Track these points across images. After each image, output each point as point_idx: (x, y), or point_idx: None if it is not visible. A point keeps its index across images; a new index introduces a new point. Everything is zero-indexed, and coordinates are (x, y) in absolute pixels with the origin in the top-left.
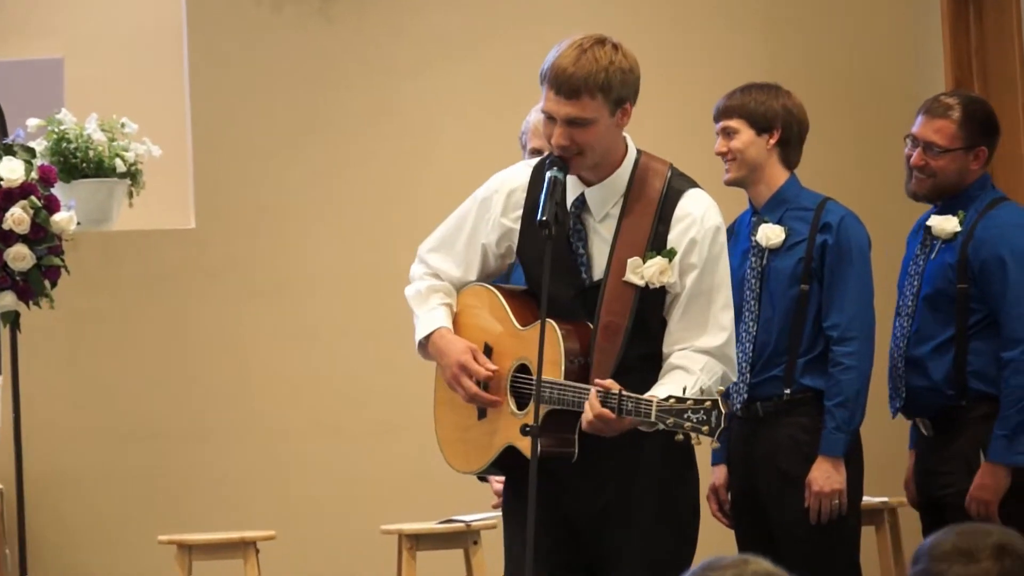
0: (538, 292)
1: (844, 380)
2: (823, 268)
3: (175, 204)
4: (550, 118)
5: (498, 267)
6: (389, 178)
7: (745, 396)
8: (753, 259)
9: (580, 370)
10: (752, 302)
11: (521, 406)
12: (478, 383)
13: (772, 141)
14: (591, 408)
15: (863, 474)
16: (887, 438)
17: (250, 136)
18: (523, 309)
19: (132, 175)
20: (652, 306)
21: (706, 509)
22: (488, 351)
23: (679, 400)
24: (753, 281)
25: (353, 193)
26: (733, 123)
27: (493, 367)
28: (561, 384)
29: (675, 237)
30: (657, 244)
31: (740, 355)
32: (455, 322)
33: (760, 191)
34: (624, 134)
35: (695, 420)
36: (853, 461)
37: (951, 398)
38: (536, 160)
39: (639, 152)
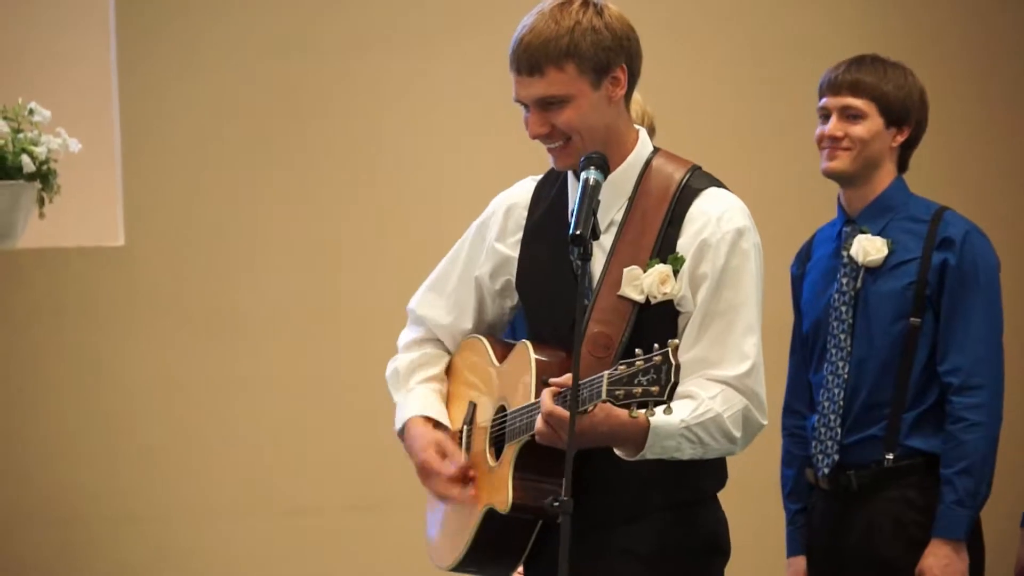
0: (534, 329)
1: (969, 441)
2: (940, 296)
3: (99, 215)
4: (524, 106)
5: (498, 312)
6: (364, 194)
7: (835, 459)
8: (844, 280)
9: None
10: (842, 336)
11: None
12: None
13: (900, 139)
14: (542, 407)
15: (984, 563)
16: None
17: (194, 133)
18: (509, 347)
19: (43, 177)
20: (657, 328)
21: None
22: (472, 410)
23: (629, 364)
24: (843, 309)
25: (319, 206)
26: (861, 104)
27: (461, 461)
28: (532, 405)
29: (686, 241)
30: (665, 251)
31: (828, 406)
32: (451, 389)
33: (861, 194)
34: (638, 127)
35: (646, 382)
36: (975, 546)
37: None
38: (541, 175)
39: (656, 149)
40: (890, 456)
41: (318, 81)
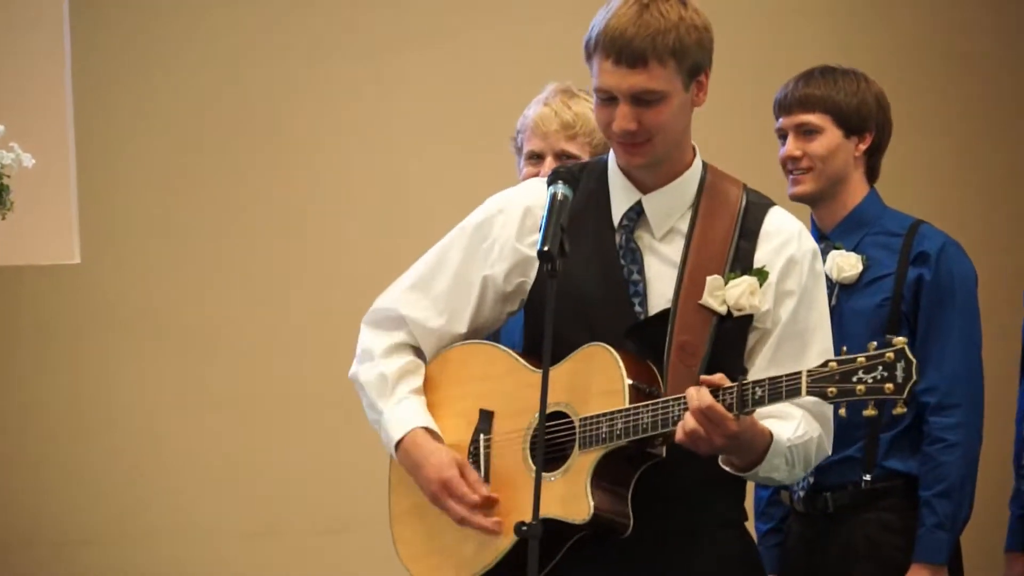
0: (559, 337)
1: (947, 462)
2: (916, 312)
3: (54, 232)
4: (608, 98)
5: (493, 317)
6: (326, 208)
7: (810, 482)
8: None
9: (647, 400)
10: None
11: (549, 466)
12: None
13: (863, 147)
14: (697, 401)
15: None
16: (985, 534)
17: (150, 149)
18: (537, 356)
19: None
20: (730, 344)
21: None
22: (488, 418)
23: (842, 362)
24: None
25: (279, 221)
26: (814, 119)
27: (485, 491)
28: (628, 409)
29: (766, 256)
30: (740, 264)
31: None
32: (431, 398)
33: (833, 209)
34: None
35: (871, 380)
36: (954, 570)
37: None
38: (545, 178)
39: (704, 163)
40: (867, 477)
41: (276, 95)
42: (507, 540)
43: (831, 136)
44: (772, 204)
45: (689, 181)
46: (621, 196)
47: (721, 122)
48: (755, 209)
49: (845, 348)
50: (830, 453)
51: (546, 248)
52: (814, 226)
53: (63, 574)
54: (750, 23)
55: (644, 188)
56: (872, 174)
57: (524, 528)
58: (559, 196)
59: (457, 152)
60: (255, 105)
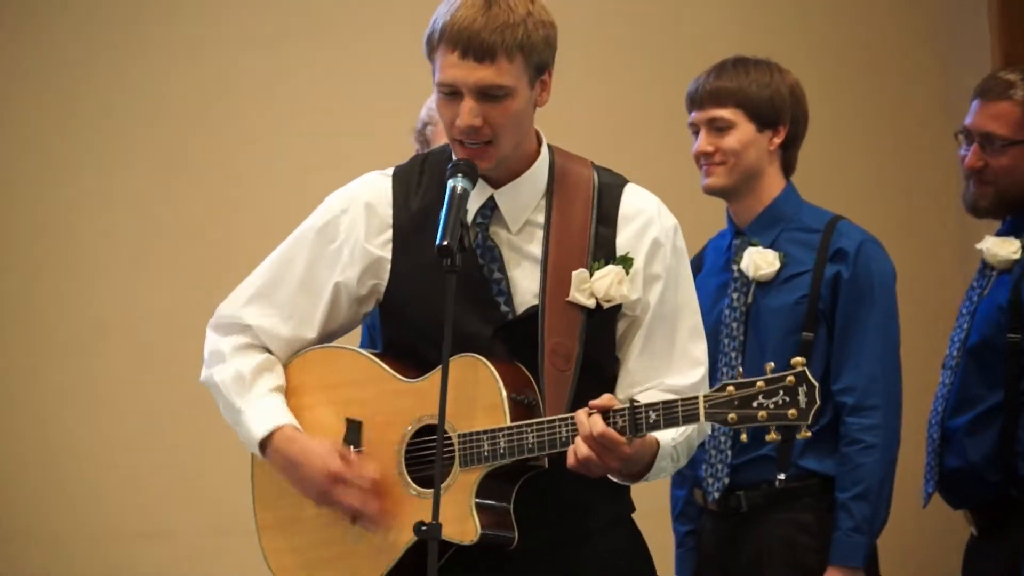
0: (422, 342)
1: (864, 464)
2: (834, 310)
3: None
4: (452, 92)
5: (348, 320)
6: (214, 195)
7: (725, 482)
8: (735, 295)
9: (527, 413)
10: (733, 354)
11: (426, 483)
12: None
13: (777, 140)
14: (590, 428)
15: None
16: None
17: (29, 131)
18: (406, 364)
19: None
20: (602, 336)
21: None
22: (356, 429)
23: (741, 386)
24: (735, 325)
25: (170, 209)
26: (726, 113)
27: (374, 473)
28: (512, 428)
29: (628, 241)
30: (603, 252)
31: (718, 425)
32: (290, 404)
33: (749, 205)
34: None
35: (772, 406)
36: (871, 573)
37: (995, 486)
38: (393, 168)
39: (550, 147)
40: (782, 476)
41: (155, 78)
42: (395, 553)
43: (744, 131)
44: (626, 182)
45: (539, 170)
46: (474, 193)
47: (636, 118)
48: (609, 191)
49: (772, 365)
50: (710, 433)
51: (445, 243)
52: (730, 221)
53: None
54: (662, 19)
55: (493, 183)
56: (788, 168)
57: (424, 528)
58: (459, 190)
59: (351, 151)
60: (132, 89)
